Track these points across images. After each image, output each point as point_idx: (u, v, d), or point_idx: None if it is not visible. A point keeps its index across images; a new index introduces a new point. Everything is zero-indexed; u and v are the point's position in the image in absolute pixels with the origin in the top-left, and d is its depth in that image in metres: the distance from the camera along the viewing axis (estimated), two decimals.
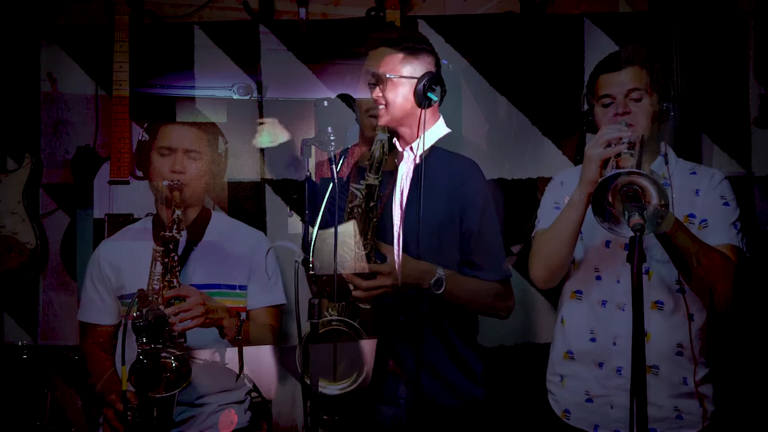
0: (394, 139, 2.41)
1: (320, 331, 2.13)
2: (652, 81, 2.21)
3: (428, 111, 2.33)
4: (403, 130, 2.40)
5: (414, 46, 2.37)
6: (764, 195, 3.01)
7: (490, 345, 3.03)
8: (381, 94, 2.35)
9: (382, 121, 2.35)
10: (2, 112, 3.15)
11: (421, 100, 2.30)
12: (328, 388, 2.17)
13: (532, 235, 2.37)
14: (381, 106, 2.35)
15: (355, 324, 2.18)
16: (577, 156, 3.04)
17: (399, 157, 2.41)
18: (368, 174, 2.22)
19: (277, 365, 2.64)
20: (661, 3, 2.97)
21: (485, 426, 2.40)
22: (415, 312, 2.30)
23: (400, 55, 2.35)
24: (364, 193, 2.22)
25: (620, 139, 2.07)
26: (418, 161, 2.34)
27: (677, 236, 2.05)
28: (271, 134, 2.98)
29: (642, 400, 1.70)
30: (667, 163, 2.24)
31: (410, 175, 2.38)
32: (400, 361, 2.31)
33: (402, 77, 2.33)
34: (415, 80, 2.31)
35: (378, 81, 2.35)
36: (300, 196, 2.47)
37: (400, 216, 2.36)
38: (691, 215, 2.19)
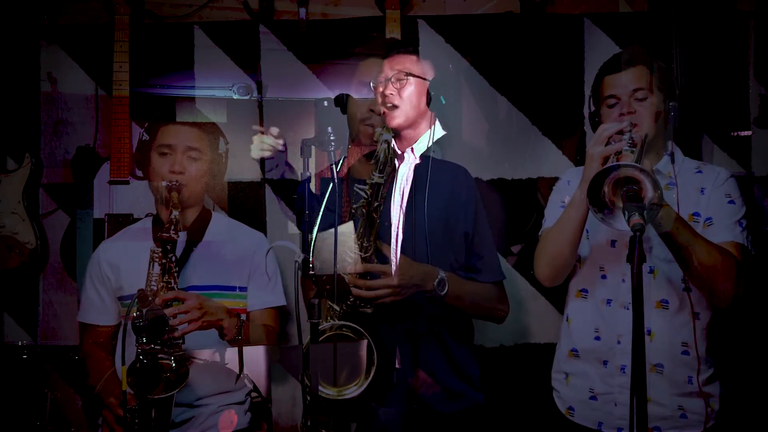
0: (393, 143, 2.42)
1: (326, 335, 2.13)
2: (655, 80, 2.21)
3: (431, 112, 2.34)
4: (407, 132, 2.40)
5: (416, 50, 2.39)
6: (764, 195, 3.01)
7: (490, 345, 3.03)
8: (395, 94, 2.35)
9: (395, 122, 2.35)
10: (2, 112, 3.15)
11: (434, 100, 2.30)
12: (339, 393, 2.16)
13: (539, 234, 2.37)
14: (395, 108, 2.35)
15: (361, 329, 2.17)
16: (577, 156, 3.03)
17: (399, 158, 2.41)
18: (373, 173, 2.21)
19: (278, 365, 2.64)
20: (661, 3, 2.97)
21: (486, 430, 2.40)
22: (416, 315, 2.30)
23: (414, 57, 2.37)
24: (368, 192, 2.21)
25: (621, 134, 2.07)
26: (419, 161, 2.34)
27: (679, 233, 2.05)
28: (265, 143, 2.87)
29: (642, 399, 1.70)
30: (673, 162, 2.24)
31: (410, 176, 2.38)
32: (399, 365, 2.31)
33: (418, 77, 2.34)
34: (428, 81, 2.34)
35: (395, 81, 2.35)
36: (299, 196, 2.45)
37: (398, 217, 2.36)
38: (696, 214, 2.19)
